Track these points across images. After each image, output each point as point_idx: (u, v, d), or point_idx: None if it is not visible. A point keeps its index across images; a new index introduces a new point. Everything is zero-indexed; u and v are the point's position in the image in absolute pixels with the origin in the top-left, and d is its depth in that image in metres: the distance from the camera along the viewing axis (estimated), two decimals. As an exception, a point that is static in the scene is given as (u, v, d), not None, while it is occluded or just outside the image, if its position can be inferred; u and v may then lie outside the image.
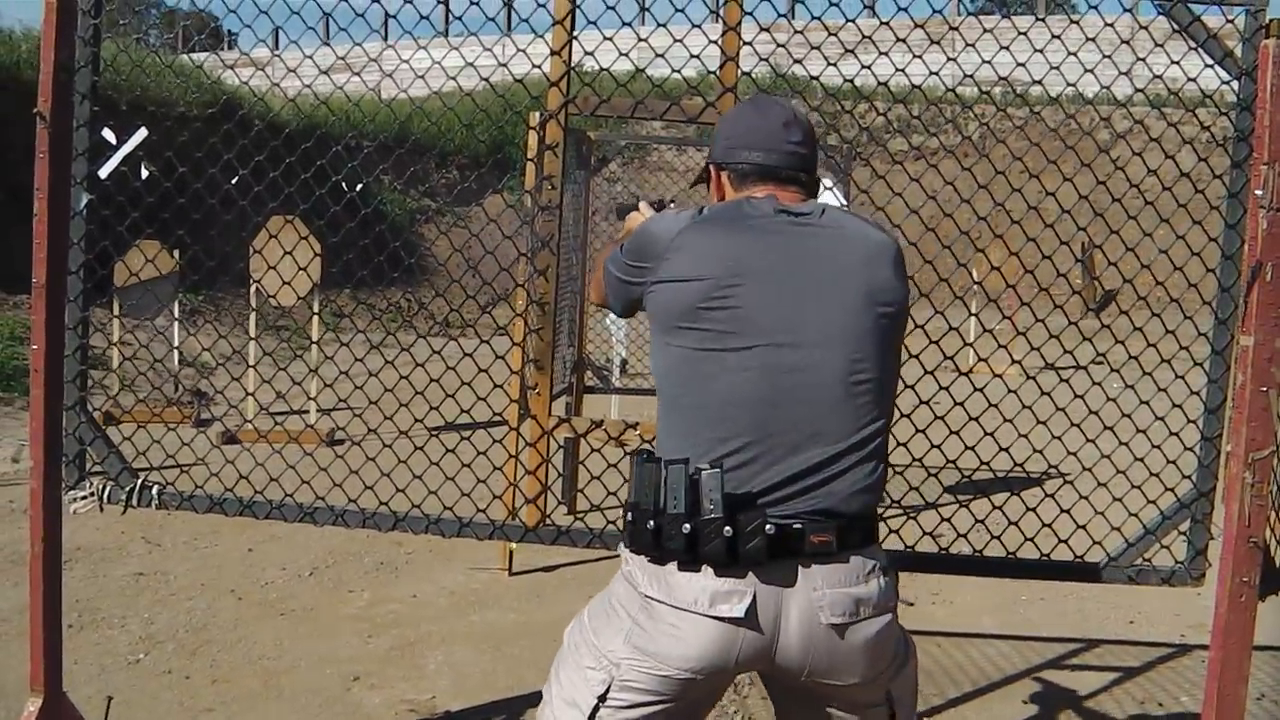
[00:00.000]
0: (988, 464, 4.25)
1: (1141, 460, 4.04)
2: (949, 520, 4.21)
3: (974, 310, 10.64)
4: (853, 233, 2.89)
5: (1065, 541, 3.99)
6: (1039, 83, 3.92)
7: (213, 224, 4.70)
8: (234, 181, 4.41)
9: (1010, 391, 4.12)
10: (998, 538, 4.03)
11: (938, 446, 4.11)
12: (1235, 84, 3.82)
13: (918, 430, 4.06)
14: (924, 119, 23.08)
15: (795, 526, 2.68)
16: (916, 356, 4.02)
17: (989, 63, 4.13)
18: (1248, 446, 3.52)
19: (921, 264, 4.10)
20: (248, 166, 4.37)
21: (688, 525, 2.66)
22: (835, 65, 4.12)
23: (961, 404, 4.15)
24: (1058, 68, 4.02)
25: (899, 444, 4.10)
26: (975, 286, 5.50)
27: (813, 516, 2.69)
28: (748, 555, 2.65)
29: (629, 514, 2.80)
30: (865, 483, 2.75)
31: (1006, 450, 4.13)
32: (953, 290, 4.34)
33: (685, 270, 2.81)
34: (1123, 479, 4.05)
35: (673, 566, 2.72)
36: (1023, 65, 3.99)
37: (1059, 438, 4.09)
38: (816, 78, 3.97)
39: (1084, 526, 3.95)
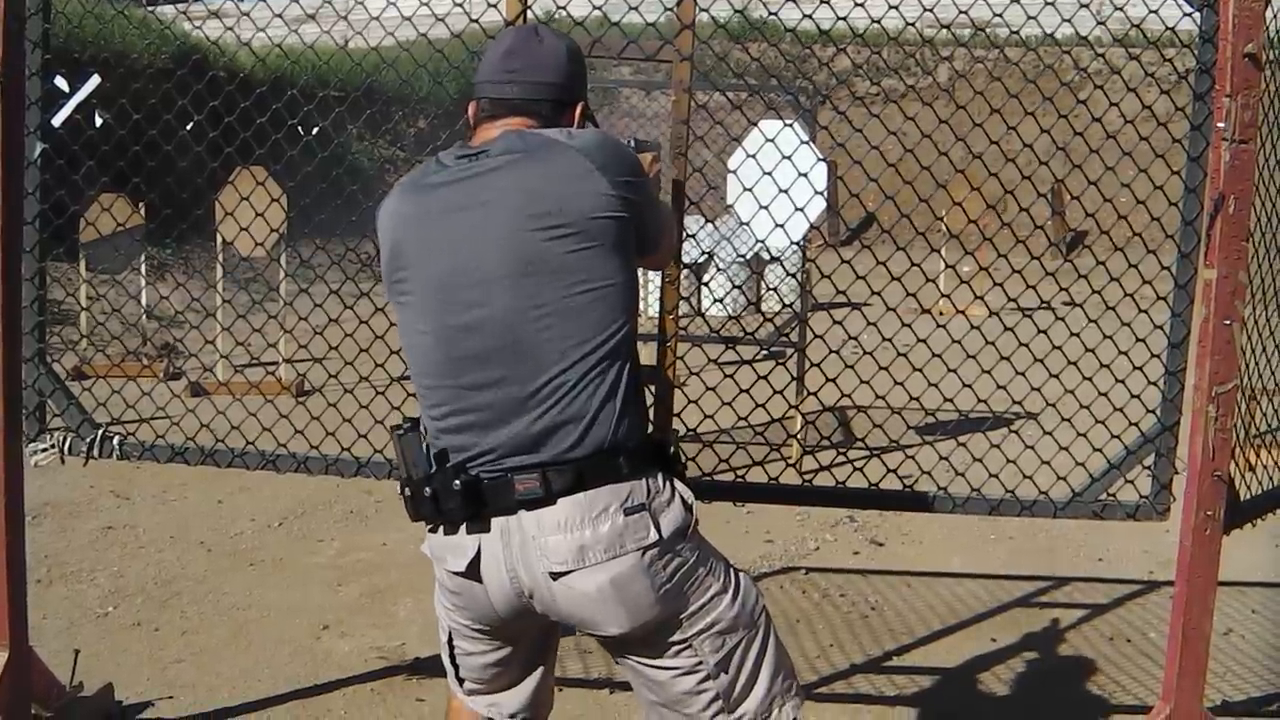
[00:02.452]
0: (951, 400, 4.24)
1: (1106, 396, 4.04)
2: (914, 458, 4.22)
3: (935, 247, 10.61)
4: (524, 157, 2.72)
5: (1030, 478, 3.99)
6: (999, 16, 3.88)
7: (182, 178, 4.67)
8: (189, 128, 4.36)
9: (973, 328, 4.12)
10: (962, 474, 4.04)
11: (900, 384, 4.11)
12: (1197, 16, 3.79)
13: (881, 368, 4.05)
14: (889, 61, 23.03)
15: (503, 478, 2.67)
16: (879, 293, 4.02)
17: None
18: (1211, 380, 3.53)
19: (883, 200, 4.10)
20: (216, 120, 4.32)
21: (406, 488, 2.78)
22: (795, 2, 4.08)
23: (924, 341, 4.15)
24: (1018, 1, 3.98)
25: (862, 381, 4.12)
26: (939, 224, 5.50)
27: (518, 465, 2.67)
28: (450, 512, 2.71)
29: None
30: (572, 421, 2.66)
31: (970, 387, 4.13)
32: (914, 226, 4.32)
33: (383, 249, 2.84)
34: (1087, 415, 4.05)
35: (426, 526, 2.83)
36: (985, 1, 3.95)
37: (1022, 373, 4.09)
38: (775, 14, 3.94)
39: (1048, 463, 3.95)
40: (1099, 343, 4.02)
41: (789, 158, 4.19)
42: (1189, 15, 3.83)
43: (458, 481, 2.67)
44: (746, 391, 4.39)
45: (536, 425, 2.66)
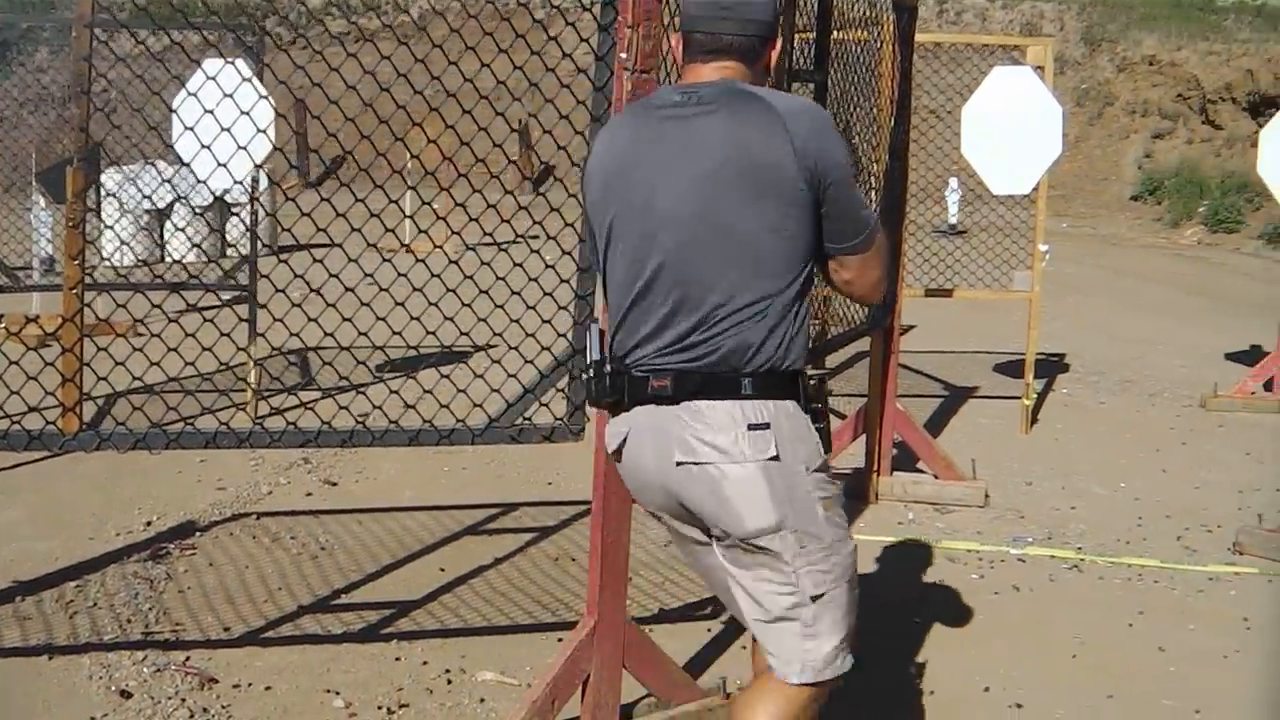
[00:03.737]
0: (399, 334, 4.25)
1: (517, 322, 4.14)
2: (365, 394, 4.25)
3: (411, 185, 10.53)
4: (726, 108, 2.91)
5: (446, 406, 4.05)
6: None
7: None
8: None
9: (419, 261, 4.15)
10: (412, 407, 4.07)
11: (349, 320, 4.13)
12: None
13: (328, 305, 4.06)
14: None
15: (645, 375, 2.98)
16: (359, 230, 4.03)
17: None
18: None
19: (359, 140, 4.17)
20: None
21: (583, 372, 3.21)
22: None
23: (370, 275, 4.17)
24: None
25: (310, 320, 4.13)
26: (410, 163, 5.51)
27: (658, 367, 2.96)
28: (602, 393, 3.08)
29: None
30: (723, 348, 2.90)
31: (418, 320, 4.18)
32: (390, 164, 4.36)
33: (593, 177, 3.10)
34: (531, 344, 4.15)
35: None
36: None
37: (469, 305, 4.16)
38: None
39: (464, 391, 4.00)
40: (509, 271, 4.12)
41: (231, 96, 4.16)
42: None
43: (608, 367, 3.06)
44: (192, 335, 4.28)
45: (689, 340, 2.93)
